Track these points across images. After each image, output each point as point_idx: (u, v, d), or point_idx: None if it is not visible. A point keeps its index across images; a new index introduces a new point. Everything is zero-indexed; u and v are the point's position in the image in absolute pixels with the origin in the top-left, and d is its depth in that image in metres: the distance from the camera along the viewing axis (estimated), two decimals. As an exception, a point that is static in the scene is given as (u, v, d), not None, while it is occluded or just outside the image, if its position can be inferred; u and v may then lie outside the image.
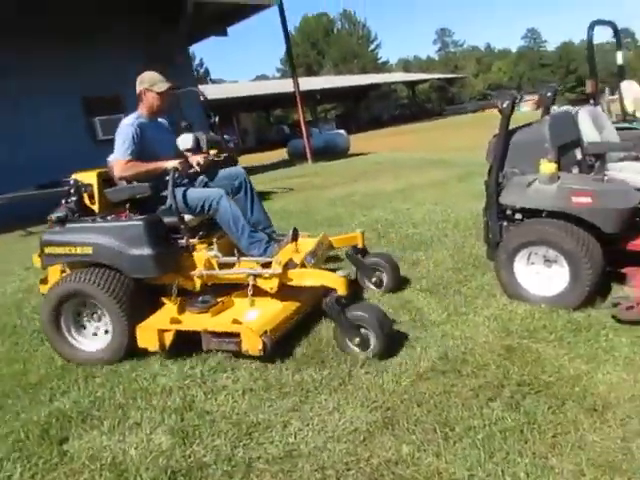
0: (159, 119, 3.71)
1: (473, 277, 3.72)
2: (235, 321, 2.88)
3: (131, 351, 3.00)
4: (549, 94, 3.51)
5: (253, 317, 3.01)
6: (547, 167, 2.99)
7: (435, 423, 2.13)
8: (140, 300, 3.08)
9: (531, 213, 3.15)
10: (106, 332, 3.10)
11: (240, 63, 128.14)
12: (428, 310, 3.27)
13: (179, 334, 2.94)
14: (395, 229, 5.40)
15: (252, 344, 2.71)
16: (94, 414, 2.51)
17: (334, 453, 2.03)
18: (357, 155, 15.15)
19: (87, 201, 3.45)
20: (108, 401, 2.61)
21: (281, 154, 19.07)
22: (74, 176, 3.51)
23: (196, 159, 3.51)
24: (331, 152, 15.85)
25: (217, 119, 7.61)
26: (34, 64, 11.14)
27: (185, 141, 7.81)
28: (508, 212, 3.32)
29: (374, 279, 3.63)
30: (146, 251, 2.96)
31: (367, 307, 2.99)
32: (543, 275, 3.09)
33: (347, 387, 2.50)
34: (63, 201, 3.40)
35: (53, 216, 3.19)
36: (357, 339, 2.71)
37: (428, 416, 2.19)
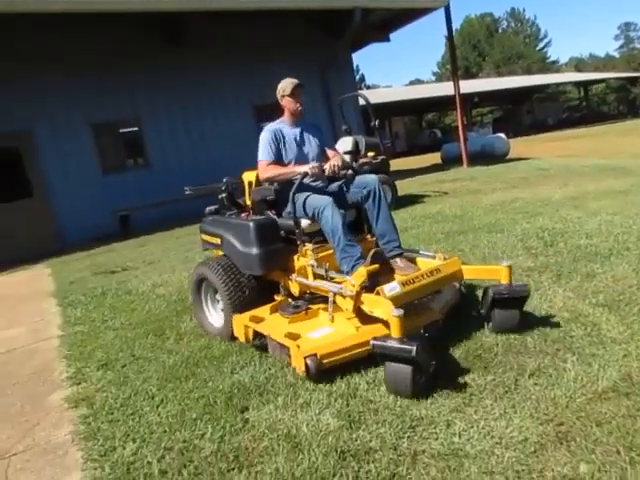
0: (309, 121, 3.82)
1: (663, 295, 3.30)
2: (290, 335, 2.87)
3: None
4: None
5: (316, 335, 2.92)
6: None
7: (618, 445, 1.95)
8: (249, 292, 3.36)
9: None
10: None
11: (395, 68, 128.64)
12: (607, 326, 2.98)
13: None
14: (564, 239, 5.00)
15: (298, 362, 2.68)
16: (269, 389, 2.77)
17: (503, 459, 1.97)
18: (517, 160, 14.28)
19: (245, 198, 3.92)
20: (280, 379, 2.86)
21: (433, 158, 18.77)
22: (244, 174, 3.99)
23: (331, 163, 3.44)
24: (488, 156, 15.19)
25: (377, 123, 7.78)
26: (207, 76, 12.63)
27: (345, 144, 8.17)
28: None
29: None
30: (252, 250, 3.24)
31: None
32: None
33: (514, 396, 2.41)
34: (219, 197, 3.92)
35: (207, 208, 3.83)
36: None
37: (609, 437, 2.01)
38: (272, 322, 3.16)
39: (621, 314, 3.12)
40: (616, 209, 6.03)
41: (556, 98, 47.93)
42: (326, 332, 2.95)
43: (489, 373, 2.63)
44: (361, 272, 2.82)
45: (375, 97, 29.24)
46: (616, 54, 69.42)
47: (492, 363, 2.73)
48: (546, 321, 3.14)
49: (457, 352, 2.90)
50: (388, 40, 15.83)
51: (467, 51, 60.67)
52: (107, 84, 11.56)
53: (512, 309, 2.99)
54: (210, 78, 12.71)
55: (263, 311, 3.30)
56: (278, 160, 3.58)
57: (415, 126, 43.15)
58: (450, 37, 14.64)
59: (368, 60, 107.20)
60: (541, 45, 62.84)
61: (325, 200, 3.26)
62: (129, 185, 11.85)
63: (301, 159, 3.60)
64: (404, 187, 10.74)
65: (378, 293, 2.77)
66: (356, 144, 8.01)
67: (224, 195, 3.85)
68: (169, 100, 12.40)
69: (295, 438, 2.29)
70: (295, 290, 3.35)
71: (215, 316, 3.74)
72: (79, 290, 6.07)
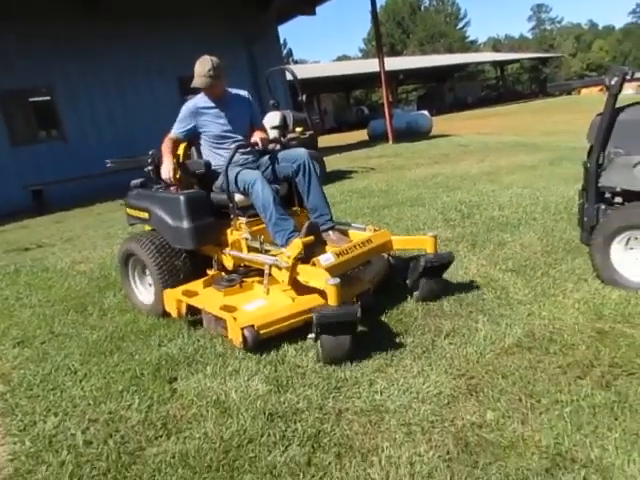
0: (239, 92, 3.67)
1: (563, 260, 3.63)
2: (226, 307, 2.89)
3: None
4: (661, 72, 3.31)
5: (252, 307, 2.95)
6: (655, 148, 2.85)
7: (520, 394, 2.17)
8: (180, 268, 3.34)
9: (635, 196, 3.02)
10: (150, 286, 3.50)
11: (323, 44, 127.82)
12: (514, 289, 3.26)
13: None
14: (480, 211, 5.33)
15: (234, 334, 2.70)
16: (198, 359, 2.79)
17: (419, 412, 2.13)
18: (440, 137, 14.84)
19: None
20: (210, 349, 2.87)
21: (360, 135, 19.05)
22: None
23: (254, 139, 3.46)
24: (413, 133, 15.63)
25: (305, 98, 7.76)
26: (128, 45, 11.94)
27: (272, 118, 8.11)
28: (607, 195, 3.20)
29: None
30: (184, 224, 3.19)
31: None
32: (642, 260, 2.98)
33: (430, 355, 2.59)
34: (145, 170, 3.78)
35: (133, 182, 3.69)
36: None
37: (513, 387, 2.23)
38: (206, 296, 3.13)
39: (526, 278, 3.42)
40: (526, 183, 6.49)
41: (475, 77, 49.97)
42: (262, 304, 2.97)
43: (409, 335, 2.81)
44: (297, 244, 2.87)
45: (303, 72, 28.95)
46: (529, 35, 73.31)
47: (412, 326, 2.91)
48: (461, 287, 3.37)
49: (381, 317, 3.05)
50: (314, 13, 15.70)
51: (392, 28, 61.47)
52: (14, 49, 10.63)
53: (438, 277, 3.20)
54: (131, 47, 12.04)
55: (196, 285, 3.26)
56: (191, 136, 3.56)
57: (343, 102, 43.38)
58: (374, 15, 14.75)
59: (295, 35, 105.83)
60: (461, 25, 64.93)
61: (255, 174, 3.26)
62: (43, 158, 11.09)
63: (226, 134, 3.52)
64: (332, 163, 10.86)
65: (314, 264, 2.82)
66: (284, 119, 7.97)
67: (150, 168, 3.71)
68: (86, 69, 11.64)
69: (224, 404, 2.33)
70: (229, 264, 3.34)
71: (145, 293, 3.64)
72: (-12, 268, 5.66)
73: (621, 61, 56.89)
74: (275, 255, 2.98)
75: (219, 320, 2.86)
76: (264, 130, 3.81)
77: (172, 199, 3.32)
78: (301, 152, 3.48)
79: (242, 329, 2.66)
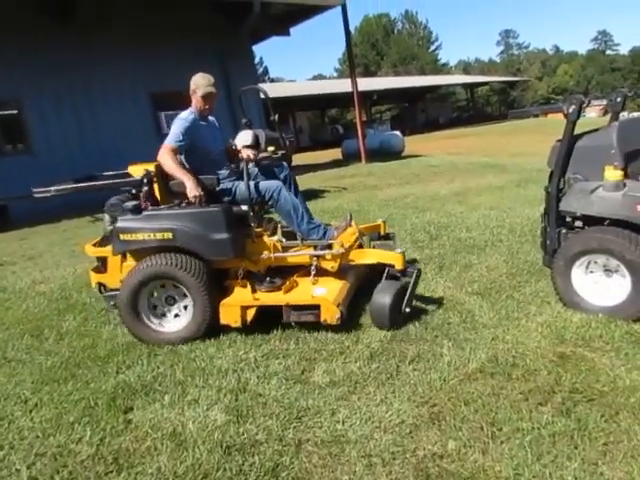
0: (210, 117, 3.84)
1: (527, 283, 3.67)
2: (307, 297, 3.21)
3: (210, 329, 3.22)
4: (619, 99, 3.40)
5: (323, 292, 3.26)
6: (613, 174, 2.92)
7: (482, 422, 2.15)
8: (214, 282, 3.28)
9: (593, 221, 3.08)
10: (176, 316, 3.31)
11: (298, 63, 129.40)
12: (479, 313, 3.27)
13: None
14: (448, 232, 5.38)
15: (331, 314, 3.05)
16: (156, 388, 2.69)
17: (380, 442, 2.09)
18: (412, 157, 15.05)
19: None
20: (169, 377, 2.78)
21: (335, 154, 19.17)
22: (130, 168, 3.74)
23: (247, 153, 3.74)
24: (385, 153, 15.81)
25: (277, 117, 7.77)
26: (100, 59, 11.78)
27: (244, 138, 8.07)
28: (568, 219, 3.26)
29: None
30: (224, 235, 3.20)
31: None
32: (602, 284, 3.02)
33: (394, 381, 2.56)
34: (134, 191, 3.61)
35: (128, 205, 3.33)
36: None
37: (475, 415, 2.21)
38: (269, 297, 3.30)
39: (492, 301, 3.43)
40: (493, 204, 6.61)
41: (446, 98, 51.14)
42: (326, 289, 3.29)
43: (374, 361, 2.77)
44: (353, 230, 3.49)
45: (279, 91, 29.29)
46: (498, 59, 75.56)
47: (378, 351, 2.88)
48: (428, 310, 3.37)
49: (348, 341, 3.03)
50: (288, 34, 15.93)
51: (366, 49, 62.61)
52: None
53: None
54: (103, 61, 11.84)
55: (241, 293, 3.30)
56: (189, 150, 3.56)
57: (319, 121, 43.76)
58: (347, 36, 14.96)
59: (271, 53, 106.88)
60: (433, 48, 66.57)
61: (276, 183, 3.54)
62: (8, 172, 10.77)
63: (213, 150, 3.70)
64: (305, 182, 10.84)
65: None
66: (256, 138, 7.91)
67: (146, 189, 3.51)
68: (56, 83, 11.40)
69: (180, 436, 2.24)
70: (262, 268, 3.42)
71: (172, 322, 3.33)
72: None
73: (585, 85, 59.17)
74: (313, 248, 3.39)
75: (304, 309, 3.13)
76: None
77: (209, 212, 3.27)
78: (283, 165, 3.95)
79: (338, 306, 3.06)
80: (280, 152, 8.51)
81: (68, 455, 2.20)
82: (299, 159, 15.70)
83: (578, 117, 3.05)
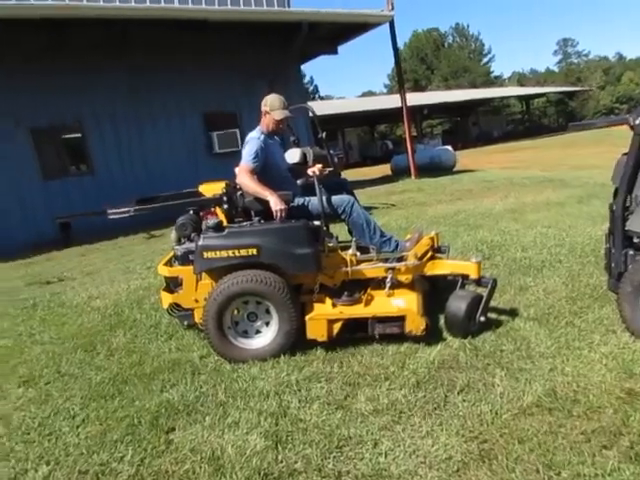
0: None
1: (589, 309, 3.42)
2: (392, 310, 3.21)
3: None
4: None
5: (403, 303, 3.25)
6: (684, 193, 2.69)
7: (538, 464, 1.98)
8: (295, 297, 3.27)
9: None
10: (257, 332, 3.30)
11: (348, 80, 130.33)
12: (535, 340, 3.06)
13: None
14: (502, 251, 5.15)
15: (416, 325, 3.09)
16: (198, 408, 2.67)
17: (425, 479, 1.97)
18: (463, 172, 14.70)
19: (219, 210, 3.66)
20: (211, 397, 2.77)
21: (384, 170, 19.05)
22: (201, 187, 3.85)
23: (313, 169, 3.80)
24: (436, 168, 15.54)
25: (324, 134, 7.80)
26: (156, 83, 12.30)
27: (293, 155, 8.13)
28: (635, 240, 3.02)
29: None
30: (307, 250, 3.22)
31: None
32: (674, 313, 2.77)
33: (442, 412, 2.42)
34: (191, 211, 3.70)
35: (210, 222, 3.34)
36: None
37: (530, 455, 2.04)
38: (352, 310, 3.28)
39: (549, 328, 3.22)
40: (551, 221, 6.29)
41: (499, 111, 49.85)
42: (404, 301, 3.28)
43: (420, 389, 2.64)
44: (425, 242, 3.46)
45: (329, 108, 29.59)
46: (555, 69, 73.03)
47: (424, 378, 2.75)
48: (479, 335, 3.19)
49: (393, 367, 2.91)
50: (336, 52, 16.04)
51: (416, 64, 62.31)
52: (47, 89, 11.04)
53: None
54: (158, 86, 12.36)
55: (321, 308, 3.29)
56: (262, 168, 3.59)
57: (368, 137, 43.77)
58: (395, 52, 14.91)
59: (322, 72, 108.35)
60: (485, 60, 65.32)
61: (348, 197, 3.60)
62: (71, 192, 11.35)
63: (281, 167, 3.84)
64: (354, 197, 10.81)
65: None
66: (304, 156, 7.99)
67: (226, 207, 3.60)
68: (114, 107, 11.97)
69: (219, 460, 2.20)
70: (334, 283, 3.43)
71: (255, 338, 3.31)
72: (8, 302, 5.72)
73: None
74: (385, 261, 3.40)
75: (389, 321, 3.15)
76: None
77: (292, 228, 3.31)
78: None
79: (422, 317, 3.09)
80: (328, 169, 8.55)
81: (110, 474, 2.21)
82: (348, 175, 15.60)
83: (646, 130, 2.83)
